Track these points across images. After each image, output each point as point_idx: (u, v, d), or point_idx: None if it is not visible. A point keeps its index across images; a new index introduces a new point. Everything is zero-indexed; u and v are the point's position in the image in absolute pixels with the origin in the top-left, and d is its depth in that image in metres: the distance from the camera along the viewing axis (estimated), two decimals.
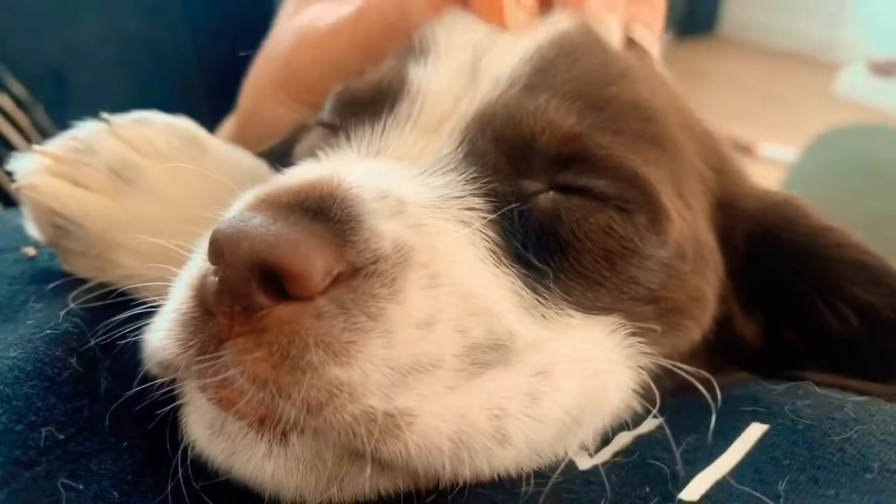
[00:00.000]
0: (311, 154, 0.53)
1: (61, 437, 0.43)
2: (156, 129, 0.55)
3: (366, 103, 0.53)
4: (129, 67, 1.30)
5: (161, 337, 0.41)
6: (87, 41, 1.24)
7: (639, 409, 0.48)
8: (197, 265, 0.42)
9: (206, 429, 0.41)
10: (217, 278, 0.38)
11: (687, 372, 0.47)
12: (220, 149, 0.57)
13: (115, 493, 0.42)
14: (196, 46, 1.36)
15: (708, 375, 0.47)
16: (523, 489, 0.41)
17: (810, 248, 0.54)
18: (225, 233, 0.38)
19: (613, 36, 0.54)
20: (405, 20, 0.58)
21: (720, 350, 0.55)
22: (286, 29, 0.71)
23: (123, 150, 0.54)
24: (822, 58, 4.40)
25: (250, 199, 0.42)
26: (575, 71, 0.51)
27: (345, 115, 0.54)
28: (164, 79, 1.32)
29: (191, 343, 0.39)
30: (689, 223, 0.50)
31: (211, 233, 0.39)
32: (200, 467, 0.42)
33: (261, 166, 0.58)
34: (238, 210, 0.41)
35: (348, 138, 0.52)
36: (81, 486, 0.41)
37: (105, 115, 0.56)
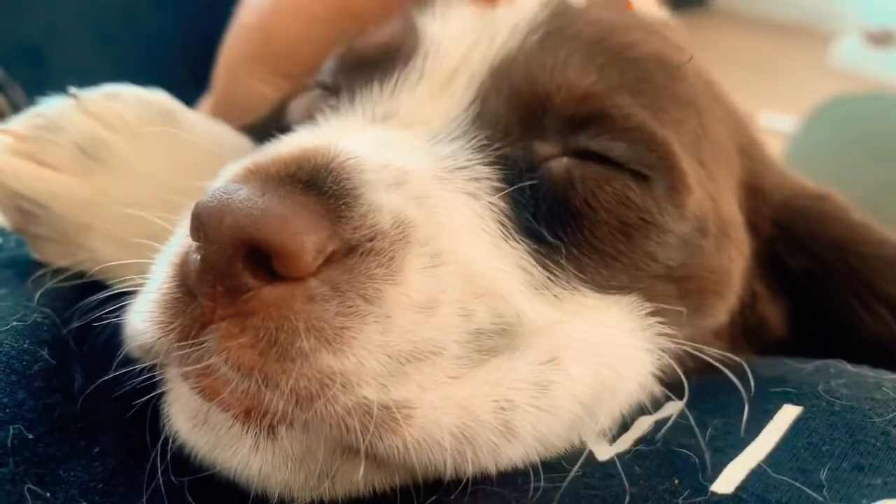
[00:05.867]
0: (310, 117, 0.49)
1: (30, 436, 0.39)
2: (127, 103, 0.52)
3: (374, 62, 0.49)
4: (110, 46, 1.27)
5: (141, 319, 0.38)
6: (66, 19, 1.21)
7: (658, 392, 0.44)
8: (179, 241, 0.38)
9: (188, 419, 0.38)
10: (199, 256, 0.35)
11: (714, 358, 0.44)
12: (196, 122, 0.53)
13: (84, 502, 0.38)
14: (179, 24, 1.32)
15: (737, 359, 0.44)
16: (538, 485, 0.37)
17: (847, 245, 0.52)
18: (207, 206, 0.34)
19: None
20: None
21: (742, 332, 0.52)
22: None
23: (92, 126, 0.50)
24: (816, 28, 4.35)
25: (237, 170, 0.38)
26: (596, 24, 0.47)
27: (350, 76, 0.50)
28: (146, 57, 1.28)
29: (172, 327, 0.36)
30: (711, 195, 0.47)
31: (193, 206, 0.35)
32: (179, 468, 0.39)
33: (241, 140, 0.54)
34: (223, 181, 0.37)
35: (352, 100, 0.48)
36: (48, 494, 0.37)
37: (73, 89, 0.52)
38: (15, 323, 0.43)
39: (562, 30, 0.47)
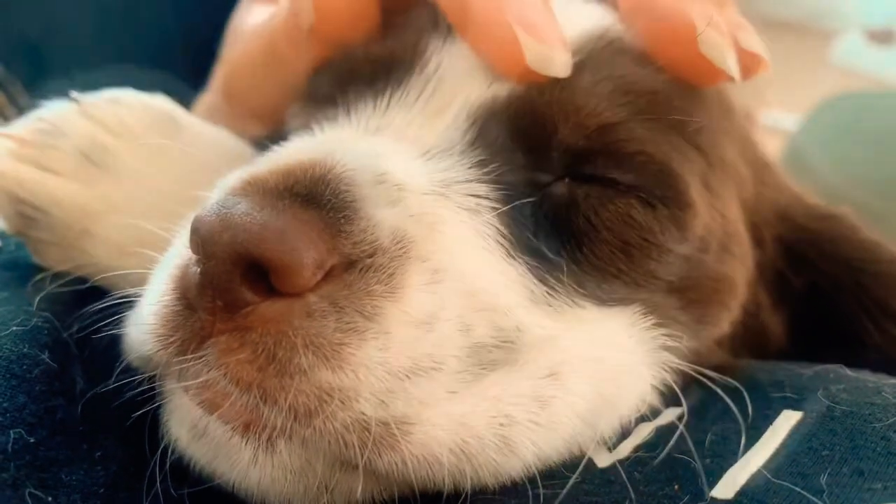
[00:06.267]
0: (305, 126, 0.49)
1: (32, 440, 0.39)
2: (129, 107, 0.51)
3: (370, 75, 0.49)
4: (110, 42, 1.26)
5: (141, 331, 0.38)
6: (65, 15, 1.20)
7: (658, 402, 0.44)
8: (178, 253, 0.38)
9: (188, 430, 0.38)
10: (198, 270, 0.35)
11: (714, 380, 0.44)
12: (198, 128, 0.53)
13: None
14: (179, 21, 1.31)
15: (737, 384, 0.44)
16: (537, 491, 0.37)
17: (859, 263, 0.53)
18: (206, 221, 0.34)
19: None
20: (298, 29, 0.53)
21: (744, 340, 0.52)
22: (232, 31, 0.67)
23: (94, 131, 0.50)
24: (817, 26, 4.33)
25: (234, 182, 0.38)
26: (616, 62, 0.46)
27: (345, 87, 0.50)
28: (146, 54, 1.28)
29: (171, 340, 0.36)
30: (716, 213, 0.47)
31: (192, 220, 0.35)
32: (179, 477, 0.39)
33: (243, 146, 0.54)
34: (221, 194, 0.37)
35: (348, 112, 0.48)
36: (50, 499, 0.37)
37: (74, 93, 0.52)
38: (15, 327, 0.43)
39: (578, 69, 0.45)
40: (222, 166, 0.43)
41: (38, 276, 0.48)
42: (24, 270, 0.50)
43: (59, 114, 0.50)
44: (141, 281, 0.41)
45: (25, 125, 0.50)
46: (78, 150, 0.49)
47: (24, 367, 0.41)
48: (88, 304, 0.45)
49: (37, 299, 0.45)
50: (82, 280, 0.48)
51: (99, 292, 0.46)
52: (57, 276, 0.48)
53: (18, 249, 0.52)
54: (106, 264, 0.48)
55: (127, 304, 0.42)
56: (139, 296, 0.41)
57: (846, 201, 0.57)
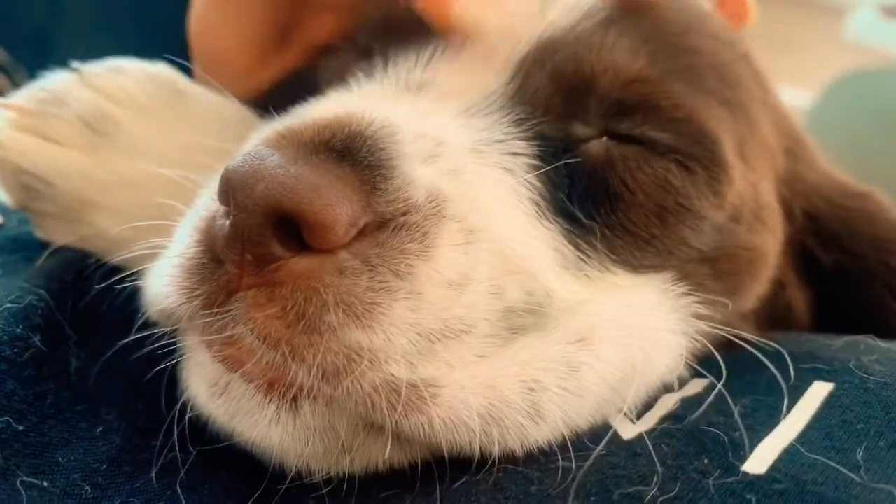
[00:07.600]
0: (341, 80, 0.48)
1: (20, 427, 0.38)
2: (131, 76, 0.50)
3: (413, 28, 0.47)
4: (116, 29, 1.25)
5: (163, 283, 0.37)
6: (71, 2, 1.19)
7: (686, 372, 0.43)
8: (206, 205, 0.37)
9: (208, 387, 0.37)
10: (227, 222, 0.34)
11: (751, 343, 0.42)
12: (200, 95, 0.51)
13: (87, 487, 0.37)
14: (186, 6, 1.30)
15: (775, 346, 0.42)
16: (561, 464, 0.36)
17: (888, 244, 0.52)
18: (238, 171, 0.33)
19: None
20: None
21: (768, 317, 0.51)
22: None
23: (97, 101, 0.49)
24: (830, 2, 4.28)
25: (269, 134, 0.37)
26: (656, 14, 0.46)
27: (386, 41, 0.48)
28: (152, 41, 1.26)
29: (197, 293, 0.35)
30: (749, 184, 0.46)
31: (223, 170, 0.34)
32: (185, 446, 0.38)
33: (247, 114, 0.52)
34: (254, 145, 0.36)
35: (387, 66, 0.47)
36: (46, 483, 0.36)
37: (76, 63, 0.50)
38: (9, 304, 0.42)
39: (620, 17, 0.45)
40: (227, 134, 0.42)
41: (38, 253, 0.47)
42: (25, 247, 0.49)
43: (60, 83, 0.49)
44: (148, 254, 0.40)
45: (27, 95, 0.49)
46: (81, 119, 0.48)
47: (15, 350, 0.40)
48: (87, 280, 0.44)
49: (34, 277, 0.44)
50: (82, 255, 0.47)
51: (98, 266, 0.45)
52: (56, 252, 0.47)
53: (21, 225, 0.51)
54: (110, 234, 0.46)
55: (130, 278, 0.41)
56: (144, 263, 0.40)
57: (862, 180, 0.56)
